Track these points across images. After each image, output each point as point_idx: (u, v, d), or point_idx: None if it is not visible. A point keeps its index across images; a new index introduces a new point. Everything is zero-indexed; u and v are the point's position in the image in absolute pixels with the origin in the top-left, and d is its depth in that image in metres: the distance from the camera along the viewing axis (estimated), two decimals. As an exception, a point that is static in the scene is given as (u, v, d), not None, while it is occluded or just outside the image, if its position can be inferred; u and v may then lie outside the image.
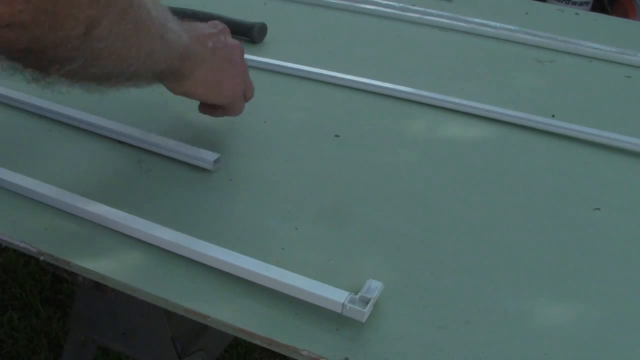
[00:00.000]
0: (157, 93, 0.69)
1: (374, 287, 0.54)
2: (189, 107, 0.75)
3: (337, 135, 0.79)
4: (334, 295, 0.52)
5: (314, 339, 0.51)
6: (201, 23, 0.69)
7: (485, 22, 1.16)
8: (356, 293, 0.53)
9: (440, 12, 1.20)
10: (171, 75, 0.64)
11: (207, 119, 0.75)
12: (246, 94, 0.73)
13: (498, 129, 0.84)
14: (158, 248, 0.58)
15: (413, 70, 0.99)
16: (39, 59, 0.46)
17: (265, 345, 0.51)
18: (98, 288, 0.61)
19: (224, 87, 0.69)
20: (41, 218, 0.61)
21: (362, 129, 0.82)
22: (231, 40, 0.70)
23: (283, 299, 0.53)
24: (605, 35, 1.16)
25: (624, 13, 2.42)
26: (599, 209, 0.69)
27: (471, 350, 0.51)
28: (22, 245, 0.58)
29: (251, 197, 0.67)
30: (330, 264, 0.58)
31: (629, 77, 1.02)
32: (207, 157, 0.69)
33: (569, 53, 1.09)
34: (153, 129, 0.74)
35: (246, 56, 0.74)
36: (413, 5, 1.23)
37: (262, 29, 1.03)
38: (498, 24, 1.15)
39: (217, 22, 0.70)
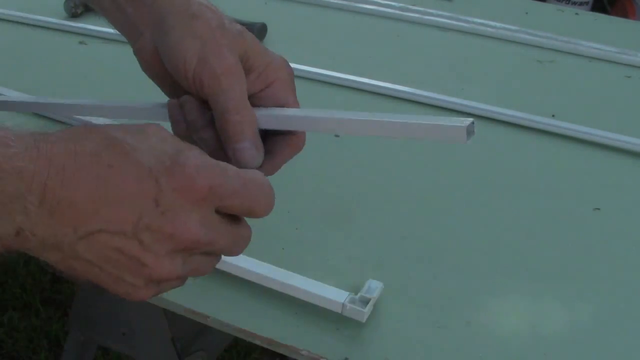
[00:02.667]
0: (158, 93, 0.69)
1: (374, 287, 0.54)
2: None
3: (337, 135, 0.79)
4: (334, 295, 0.52)
5: (314, 339, 0.51)
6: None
7: (485, 22, 1.16)
8: (356, 293, 0.53)
9: (440, 12, 1.20)
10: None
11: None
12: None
13: (498, 129, 0.84)
14: (158, 248, 0.58)
15: (413, 70, 0.99)
16: None
17: (265, 345, 0.51)
18: (98, 288, 0.60)
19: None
20: (41, 218, 0.61)
21: (362, 129, 0.82)
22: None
23: (283, 299, 0.53)
24: (605, 35, 1.16)
25: (624, 13, 2.42)
26: (599, 209, 0.69)
27: (471, 350, 0.51)
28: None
29: (251, 197, 0.67)
30: (330, 264, 0.58)
31: (629, 77, 1.02)
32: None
33: (569, 53, 1.09)
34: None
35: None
36: (413, 5, 1.23)
37: (262, 29, 1.03)
38: (498, 24, 1.15)
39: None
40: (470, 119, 0.40)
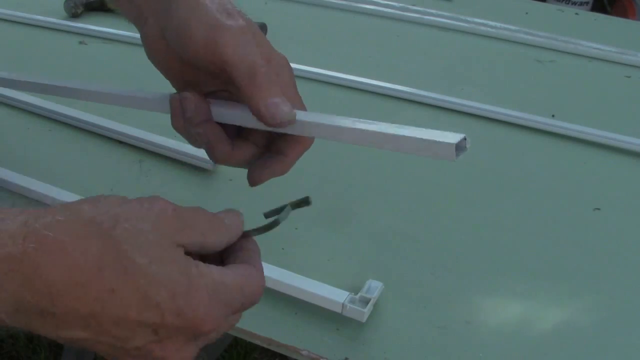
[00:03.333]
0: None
1: (374, 287, 0.54)
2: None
3: (337, 135, 0.79)
4: (334, 295, 0.52)
5: (314, 339, 0.51)
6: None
7: (485, 22, 1.16)
8: (356, 293, 0.53)
9: (440, 12, 1.20)
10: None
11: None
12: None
13: (498, 129, 0.84)
14: (158, 248, 0.58)
15: (413, 70, 0.99)
16: None
17: (265, 345, 0.51)
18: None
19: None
20: (41, 218, 0.61)
21: (362, 129, 0.82)
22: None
23: (283, 299, 0.53)
24: (605, 35, 1.16)
25: (624, 13, 2.42)
26: (599, 209, 0.69)
27: (471, 350, 0.51)
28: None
29: (251, 197, 0.67)
30: (330, 264, 0.58)
31: (629, 77, 1.02)
32: (206, 157, 0.69)
33: (569, 53, 1.09)
34: (153, 129, 0.73)
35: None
36: (413, 5, 1.23)
37: (262, 29, 1.03)
38: (498, 24, 1.15)
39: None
40: (462, 135, 0.38)
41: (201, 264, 0.36)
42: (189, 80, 0.47)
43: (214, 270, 0.36)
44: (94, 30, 1.01)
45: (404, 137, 0.40)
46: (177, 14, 0.44)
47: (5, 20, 1.07)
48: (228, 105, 0.46)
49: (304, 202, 0.43)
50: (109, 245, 0.33)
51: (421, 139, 0.39)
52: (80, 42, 1.00)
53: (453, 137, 0.38)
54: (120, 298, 0.33)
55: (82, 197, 0.37)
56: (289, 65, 0.47)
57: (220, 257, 0.40)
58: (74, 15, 1.08)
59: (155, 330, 0.34)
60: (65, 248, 0.33)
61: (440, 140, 0.38)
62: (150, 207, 0.36)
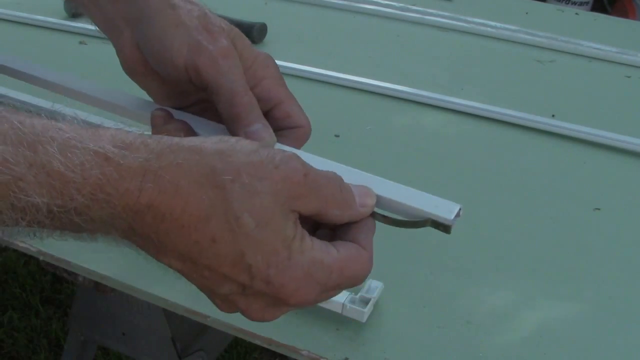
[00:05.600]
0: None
1: (374, 287, 0.54)
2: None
3: (337, 135, 0.79)
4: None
5: (314, 339, 0.51)
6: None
7: (485, 22, 1.16)
8: (356, 293, 0.53)
9: (440, 12, 1.20)
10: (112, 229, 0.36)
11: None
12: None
13: (498, 129, 0.84)
14: (158, 248, 0.58)
15: (413, 70, 0.99)
16: None
17: (265, 345, 0.51)
18: (98, 288, 0.61)
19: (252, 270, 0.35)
20: (41, 218, 0.61)
21: (362, 129, 0.82)
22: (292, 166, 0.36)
23: (283, 299, 0.53)
24: (605, 35, 1.16)
25: (624, 13, 2.42)
26: (599, 209, 0.69)
27: (471, 350, 0.51)
28: (22, 245, 0.58)
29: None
30: (330, 264, 0.58)
31: (629, 77, 1.02)
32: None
33: (569, 53, 1.08)
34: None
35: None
36: (413, 5, 1.22)
37: (262, 29, 1.03)
38: (498, 24, 1.15)
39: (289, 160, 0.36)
40: (458, 206, 0.41)
41: (307, 237, 0.36)
42: (167, 93, 0.47)
43: (317, 247, 0.36)
44: (94, 30, 1.00)
45: (400, 203, 0.42)
46: (155, 32, 0.44)
47: (5, 20, 1.07)
48: (205, 124, 0.46)
49: (444, 227, 0.41)
50: (221, 198, 0.34)
51: (419, 209, 0.42)
52: (80, 42, 1.00)
53: (449, 210, 0.41)
54: (217, 249, 0.35)
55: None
56: (273, 62, 0.47)
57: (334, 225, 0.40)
58: (74, 15, 1.08)
59: (242, 286, 0.36)
60: (180, 192, 0.34)
61: (437, 213, 0.41)
62: (278, 166, 0.36)
